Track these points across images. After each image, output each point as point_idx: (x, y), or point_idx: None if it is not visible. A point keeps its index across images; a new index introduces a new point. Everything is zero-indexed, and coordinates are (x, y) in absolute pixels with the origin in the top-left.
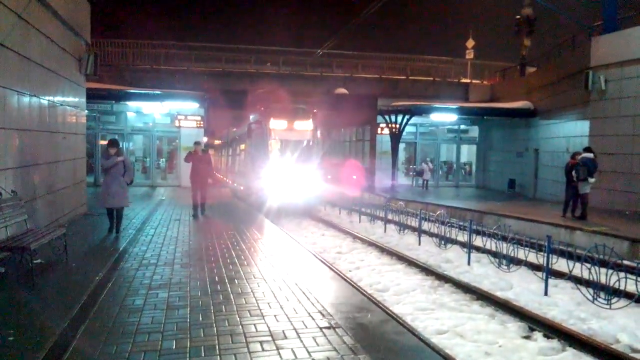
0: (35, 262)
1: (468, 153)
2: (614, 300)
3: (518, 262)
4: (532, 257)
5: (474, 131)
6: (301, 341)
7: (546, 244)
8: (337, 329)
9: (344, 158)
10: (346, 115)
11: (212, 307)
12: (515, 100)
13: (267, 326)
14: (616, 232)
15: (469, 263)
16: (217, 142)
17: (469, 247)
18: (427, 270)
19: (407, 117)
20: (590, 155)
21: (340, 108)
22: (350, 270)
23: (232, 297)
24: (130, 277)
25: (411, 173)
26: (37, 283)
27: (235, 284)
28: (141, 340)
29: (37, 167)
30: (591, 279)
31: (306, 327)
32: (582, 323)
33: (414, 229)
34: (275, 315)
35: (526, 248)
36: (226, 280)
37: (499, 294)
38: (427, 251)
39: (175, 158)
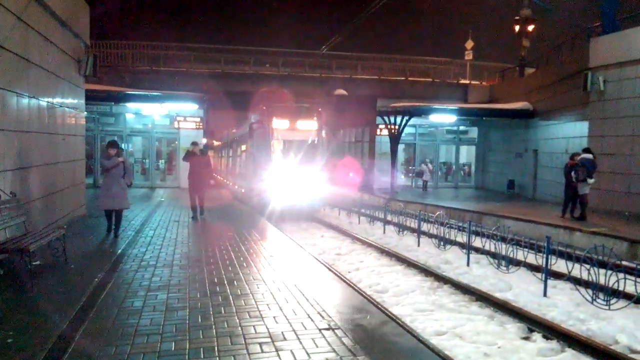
0: (34, 263)
1: (467, 154)
2: (613, 301)
3: (517, 263)
4: (532, 258)
5: (473, 132)
6: (300, 343)
7: (545, 244)
8: (336, 331)
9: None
10: (345, 117)
11: (211, 309)
12: (514, 101)
13: (266, 328)
14: (615, 233)
15: (468, 264)
16: (216, 143)
17: (468, 248)
18: (426, 272)
19: (406, 118)
20: (590, 156)
21: (340, 109)
22: (349, 272)
23: (231, 299)
24: (129, 279)
25: (410, 174)
26: (36, 285)
27: (235, 286)
28: (140, 341)
29: (36, 168)
30: (590, 279)
31: (305, 329)
32: (581, 324)
33: (413, 230)
34: (274, 317)
35: (525, 249)
36: (225, 282)
37: (498, 295)
38: (426, 252)
39: (174, 159)
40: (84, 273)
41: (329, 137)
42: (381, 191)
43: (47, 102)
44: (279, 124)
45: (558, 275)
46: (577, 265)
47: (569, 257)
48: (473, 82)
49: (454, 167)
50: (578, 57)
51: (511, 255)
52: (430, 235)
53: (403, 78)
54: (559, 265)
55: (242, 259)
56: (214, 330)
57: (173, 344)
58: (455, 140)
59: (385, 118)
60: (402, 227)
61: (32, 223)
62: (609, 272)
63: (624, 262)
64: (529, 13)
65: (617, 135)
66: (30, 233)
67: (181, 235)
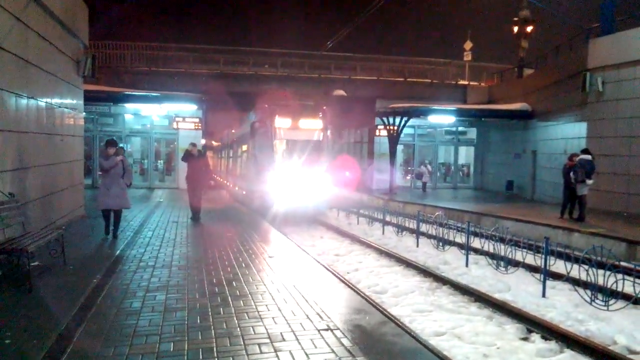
0: (32, 264)
1: (466, 155)
2: (611, 302)
3: (516, 264)
4: (530, 258)
5: (472, 133)
6: (299, 343)
7: (544, 245)
8: (335, 331)
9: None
10: (344, 117)
11: (209, 310)
12: (512, 102)
13: (265, 328)
14: (614, 234)
15: (467, 265)
16: (216, 143)
17: (466, 248)
18: (425, 272)
19: (405, 119)
20: (588, 156)
21: (339, 110)
22: (348, 272)
23: (230, 300)
24: (128, 280)
25: (409, 176)
26: (34, 285)
27: (233, 287)
28: (139, 342)
29: (35, 169)
30: (589, 280)
31: (304, 330)
32: (580, 324)
33: (412, 231)
34: (273, 318)
35: (524, 250)
36: (224, 283)
37: (497, 295)
38: (425, 253)
39: (173, 160)
40: (82, 274)
41: (334, 136)
42: (380, 192)
43: (46, 102)
44: (282, 122)
45: (557, 276)
46: (575, 266)
47: (567, 257)
48: (472, 83)
49: (452, 168)
50: (576, 58)
51: (510, 256)
52: (429, 236)
53: (402, 79)
54: (558, 266)
55: (240, 259)
56: (213, 331)
57: (172, 344)
58: (454, 141)
59: (384, 119)
60: (401, 228)
61: (30, 224)
62: (608, 272)
63: (622, 263)
64: (527, 14)
65: (615, 136)
66: (29, 234)
67: (180, 236)
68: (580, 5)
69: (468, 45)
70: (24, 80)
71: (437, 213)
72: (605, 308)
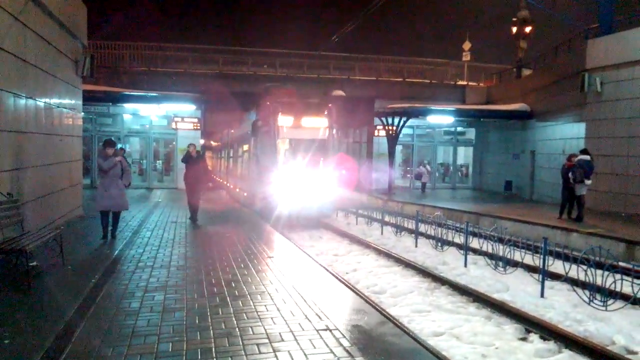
0: (31, 264)
1: (465, 155)
2: (610, 302)
3: (514, 264)
4: (529, 259)
5: (471, 133)
6: (298, 344)
7: (542, 245)
8: (333, 332)
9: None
10: (343, 117)
11: (208, 310)
12: (511, 103)
13: (264, 329)
14: (612, 234)
15: (465, 265)
16: (215, 143)
17: (465, 249)
18: (424, 272)
19: (403, 119)
20: (587, 157)
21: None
22: (347, 273)
23: (228, 300)
24: (126, 280)
25: (408, 176)
26: (33, 285)
27: (232, 287)
28: (137, 342)
29: (33, 169)
30: (587, 280)
31: (303, 330)
32: (579, 325)
33: (410, 231)
34: (272, 318)
35: (522, 250)
36: (223, 283)
37: (495, 295)
38: (424, 253)
39: (172, 160)
40: (81, 274)
41: (339, 135)
42: (378, 192)
43: (45, 102)
44: (286, 121)
45: (555, 276)
46: (574, 266)
47: (566, 258)
48: (470, 83)
49: (451, 168)
50: (575, 58)
51: (508, 256)
52: (428, 236)
53: (401, 79)
54: (556, 266)
55: (239, 259)
56: (212, 332)
57: (170, 345)
58: (453, 142)
59: (383, 119)
60: (399, 228)
61: (29, 224)
62: (606, 273)
63: (620, 263)
64: (526, 15)
65: (613, 136)
66: (28, 234)
67: (179, 236)
68: (578, 6)
69: (467, 45)
70: (23, 80)
71: (436, 213)
72: (604, 308)
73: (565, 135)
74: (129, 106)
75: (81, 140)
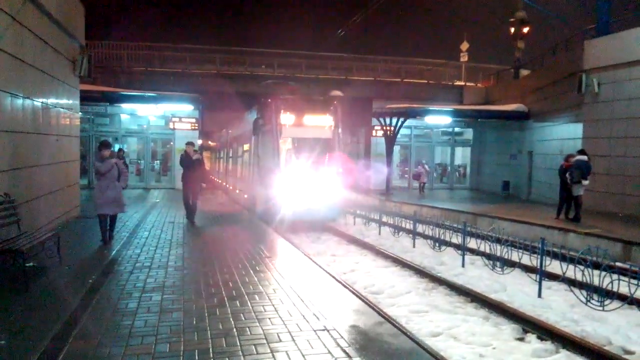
0: (28, 265)
1: (462, 155)
2: (607, 302)
3: (512, 264)
4: (526, 259)
5: (468, 133)
6: (295, 344)
7: (540, 246)
8: (331, 332)
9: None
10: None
11: (205, 310)
12: (509, 103)
13: (261, 329)
14: (609, 234)
15: (463, 265)
16: (213, 143)
17: (463, 249)
18: (421, 273)
19: (401, 119)
20: (584, 157)
21: None
22: (345, 273)
23: (226, 300)
24: (123, 280)
25: (406, 176)
26: (29, 286)
27: (229, 287)
28: (135, 343)
29: (30, 169)
30: (584, 281)
31: (300, 330)
32: (576, 325)
33: (408, 232)
34: (269, 318)
35: (520, 250)
36: (220, 283)
37: (493, 296)
38: (421, 253)
39: (169, 160)
40: (78, 274)
41: (344, 135)
42: (376, 192)
43: (42, 102)
44: (289, 118)
45: (552, 277)
46: (571, 267)
47: (563, 258)
48: (468, 83)
49: (449, 168)
50: (572, 59)
51: (506, 257)
52: (426, 237)
53: (398, 79)
54: (554, 266)
55: (237, 260)
56: (209, 332)
57: (168, 345)
58: (451, 142)
59: (381, 119)
60: (397, 229)
61: (26, 224)
62: (603, 273)
63: (617, 264)
64: (523, 15)
65: (611, 137)
66: (24, 234)
67: (176, 236)
68: (576, 7)
69: (465, 46)
70: (20, 80)
71: (433, 213)
72: (601, 308)
73: (563, 135)
74: (126, 106)
75: (78, 141)
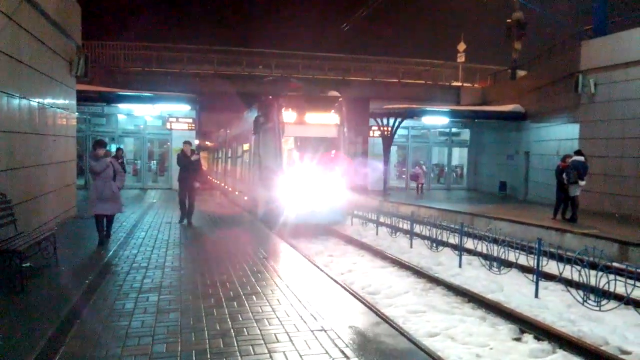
0: (24, 265)
1: (459, 156)
2: (603, 302)
3: (509, 265)
4: (523, 259)
5: (465, 134)
6: (293, 344)
7: (537, 246)
8: (328, 332)
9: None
10: None
11: (203, 311)
12: (506, 104)
13: (259, 329)
14: (606, 235)
15: (460, 265)
16: (210, 144)
17: (460, 249)
18: (418, 273)
19: (399, 120)
20: (581, 158)
21: None
22: (342, 273)
23: (223, 301)
24: (120, 281)
25: (403, 176)
26: (26, 286)
27: (227, 287)
28: (132, 344)
29: (27, 169)
30: (581, 281)
31: (298, 330)
32: (573, 325)
33: (406, 232)
34: (267, 319)
35: (517, 250)
36: (217, 284)
37: (490, 296)
38: (419, 254)
39: (166, 161)
40: (74, 274)
41: (350, 133)
42: (374, 193)
43: (38, 102)
44: (292, 116)
45: (549, 277)
46: (568, 267)
47: (560, 258)
48: (465, 84)
49: (446, 169)
50: (569, 60)
51: (503, 257)
52: (423, 237)
53: (396, 80)
54: (551, 266)
55: (234, 260)
56: (206, 332)
57: (165, 346)
58: (448, 142)
59: (378, 120)
60: (395, 229)
61: (22, 224)
62: (600, 273)
63: (614, 264)
64: (520, 16)
65: (607, 137)
66: (21, 234)
67: (173, 237)
68: (573, 7)
69: (462, 46)
70: (16, 80)
71: (430, 214)
72: (598, 308)
73: (560, 136)
74: (123, 106)
75: (75, 141)
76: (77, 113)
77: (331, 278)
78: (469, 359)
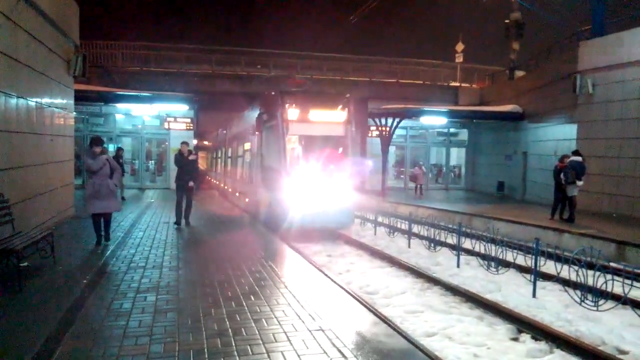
0: (22, 264)
1: (457, 156)
2: (601, 302)
3: (507, 265)
4: (521, 259)
5: (464, 134)
6: (291, 344)
7: (534, 246)
8: (326, 332)
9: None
10: None
11: (200, 311)
12: (504, 104)
13: (257, 329)
14: (603, 235)
15: (458, 265)
16: (209, 143)
17: (458, 249)
18: (416, 273)
19: (397, 120)
20: (579, 158)
21: None
22: (340, 273)
23: (221, 301)
24: (118, 280)
25: (402, 176)
26: (23, 286)
27: (225, 287)
28: (129, 344)
29: (24, 169)
30: (579, 281)
31: (296, 330)
32: (570, 325)
33: (404, 232)
34: (265, 319)
35: (514, 250)
36: (215, 284)
37: (488, 296)
38: (417, 254)
39: (164, 160)
40: (72, 274)
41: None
42: (372, 193)
43: (36, 102)
44: (297, 114)
45: (547, 277)
46: (565, 267)
47: (557, 258)
48: (463, 84)
49: (444, 169)
50: (567, 60)
51: (501, 257)
52: (421, 237)
53: (394, 80)
54: (548, 266)
55: (232, 260)
56: (204, 332)
57: (162, 346)
58: (446, 143)
59: (376, 120)
60: (393, 229)
61: (20, 224)
62: (597, 273)
63: (612, 264)
64: (519, 16)
65: (605, 137)
66: (19, 234)
67: (171, 236)
68: (571, 8)
69: (460, 47)
70: (14, 80)
71: (428, 214)
72: (595, 308)
73: (557, 136)
74: (121, 106)
75: (73, 140)
76: (74, 113)
77: (329, 278)
78: (467, 358)
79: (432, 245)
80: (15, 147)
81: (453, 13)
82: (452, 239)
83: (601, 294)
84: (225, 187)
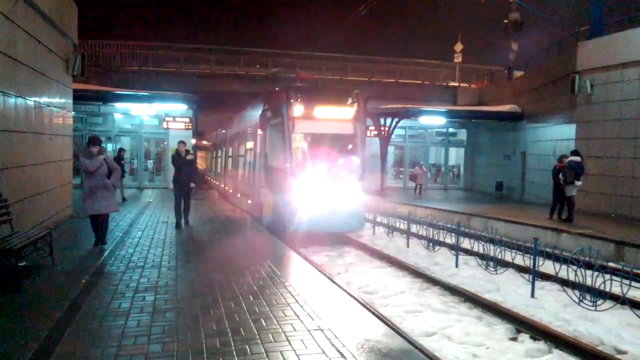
0: (20, 264)
1: (456, 156)
2: (599, 302)
3: (505, 265)
4: (519, 259)
5: (462, 134)
6: (290, 344)
7: (533, 246)
8: (325, 332)
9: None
10: None
11: (199, 310)
12: (502, 104)
13: (255, 330)
14: (602, 235)
15: (457, 265)
16: (208, 143)
17: (456, 249)
18: (415, 273)
19: (396, 120)
20: (577, 158)
21: None
22: (339, 273)
23: (219, 300)
24: (116, 280)
25: (401, 176)
26: (22, 286)
27: (223, 287)
28: (128, 343)
29: (23, 168)
30: (577, 281)
31: (295, 330)
32: (568, 325)
33: (402, 232)
34: (263, 319)
35: (513, 250)
36: (214, 284)
37: (486, 296)
38: (416, 254)
39: (163, 160)
40: (70, 274)
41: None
42: (371, 192)
43: (35, 101)
44: (304, 111)
45: (545, 277)
46: (564, 267)
47: (556, 258)
48: (462, 84)
49: (443, 169)
50: (566, 60)
51: (499, 257)
52: (420, 237)
53: (393, 80)
54: (547, 266)
55: (231, 260)
56: (202, 332)
57: (161, 345)
58: (445, 142)
59: (376, 120)
60: (391, 229)
61: (18, 223)
62: (596, 273)
63: (610, 264)
64: (517, 16)
65: (603, 137)
66: (17, 233)
67: (170, 236)
68: (570, 8)
69: (459, 47)
70: (12, 79)
71: (427, 213)
72: (594, 308)
73: (556, 136)
74: (119, 105)
75: (71, 140)
76: (73, 112)
77: (328, 278)
78: (466, 358)
79: (431, 245)
80: (14, 147)
81: (452, 13)
82: (450, 239)
83: (600, 294)
84: (226, 188)
